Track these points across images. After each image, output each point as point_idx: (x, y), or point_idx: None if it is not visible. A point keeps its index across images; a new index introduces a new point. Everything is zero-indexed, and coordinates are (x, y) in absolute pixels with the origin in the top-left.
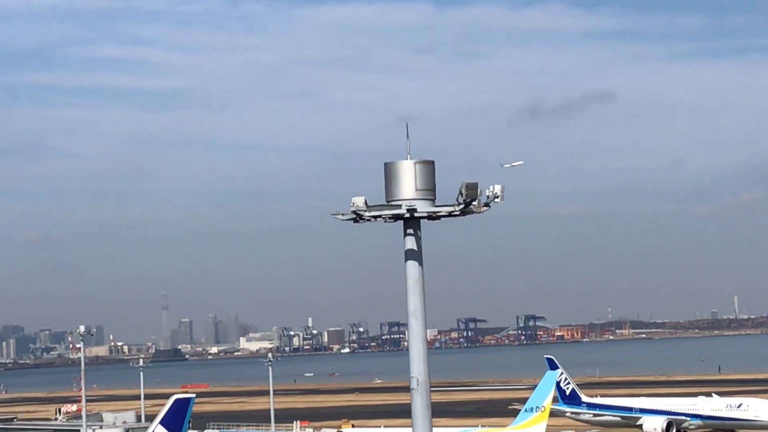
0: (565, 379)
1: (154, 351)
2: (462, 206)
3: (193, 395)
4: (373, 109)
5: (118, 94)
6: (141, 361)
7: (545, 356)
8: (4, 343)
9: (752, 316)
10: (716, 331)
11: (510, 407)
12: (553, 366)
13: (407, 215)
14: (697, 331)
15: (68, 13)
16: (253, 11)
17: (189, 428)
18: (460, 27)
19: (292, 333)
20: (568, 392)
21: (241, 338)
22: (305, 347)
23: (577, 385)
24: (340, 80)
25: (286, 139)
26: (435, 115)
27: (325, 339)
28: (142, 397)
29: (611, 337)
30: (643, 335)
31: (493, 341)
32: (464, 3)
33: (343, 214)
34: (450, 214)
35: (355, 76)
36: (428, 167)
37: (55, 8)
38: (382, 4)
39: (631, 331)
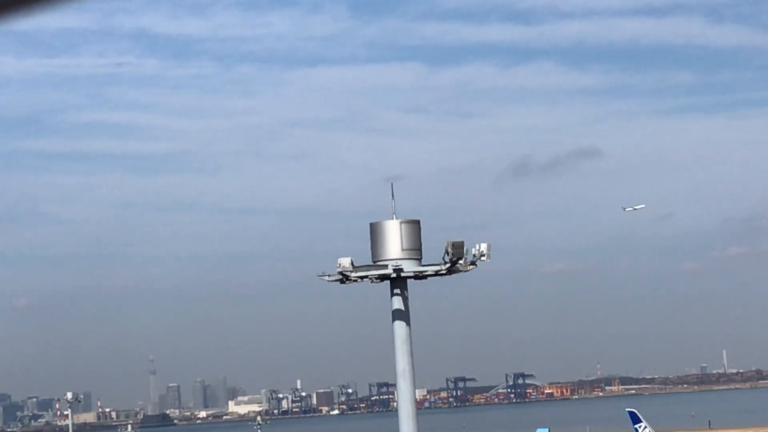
0: None
1: (142, 416)
2: (448, 265)
3: None
4: (365, 169)
5: (112, 159)
6: (129, 426)
7: (627, 410)
8: None
9: (741, 371)
10: (705, 386)
11: None
12: (635, 420)
13: (394, 275)
14: (686, 386)
15: (62, 80)
16: (246, 74)
17: None
18: (452, 87)
19: (280, 395)
20: None
21: (229, 402)
22: (294, 409)
23: None
24: (332, 142)
25: (278, 200)
26: (425, 174)
27: (314, 401)
28: None
29: (601, 394)
30: (633, 391)
31: (482, 400)
32: (456, 63)
33: (329, 275)
34: (437, 274)
35: (347, 137)
36: (414, 227)
37: (49, 75)
38: (375, 65)
39: (620, 387)
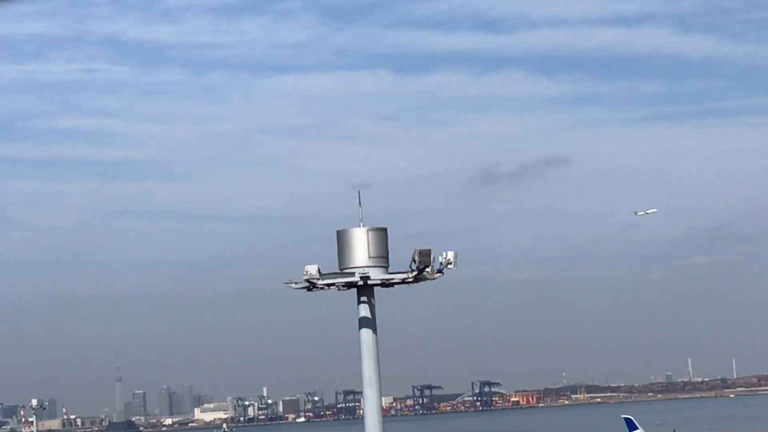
0: None
1: (107, 423)
2: (415, 273)
3: None
4: (334, 176)
5: (80, 166)
6: None
7: (623, 416)
8: None
9: (706, 379)
10: (671, 394)
11: None
12: (632, 426)
13: (360, 283)
14: (651, 394)
15: (32, 86)
16: (216, 81)
17: None
18: (422, 95)
19: (246, 403)
20: None
21: (195, 409)
22: (260, 417)
23: None
24: (302, 149)
25: (246, 207)
26: (393, 182)
27: (280, 408)
28: None
29: (566, 402)
30: (599, 399)
31: (448, 408)
32: (426, 71)
33: (296, 283)
34: (404, 281)
35: (316, 144)
36: (381, 234)
37: (20, 81)
38: (345, 73)
39: (586, 395)
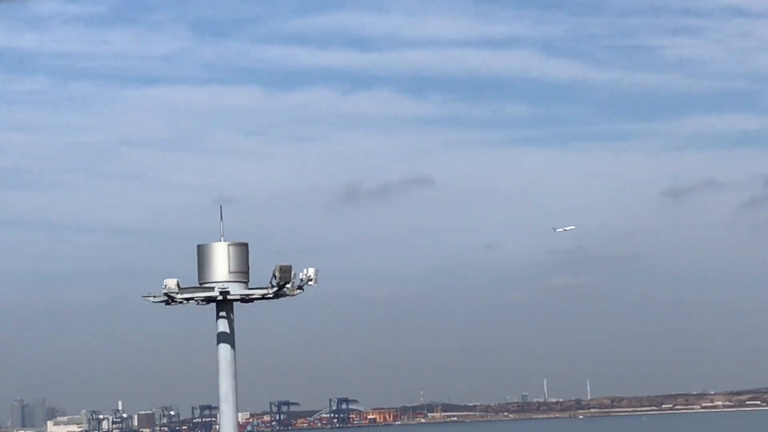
0: None
1: None
2: (276, 289)
3: None
4: (198, 190)
5: None
6: None
7: None
8: None
9: (561, 400)
10: (526, 414)
11: None
12: None
13: (220, 298)
14: (507, 414)
15: None
16: (83, 91)
17: None
18: (290, 111)
19: (101, 416)
20: None
21: (48, 422)
22: (114, 431)
23: None
24: (167, 162)
25: (108, 219)
26: (257, 197)
27: (135, 422)
28: None
29: (423, 420)
30: (455, 418)
31: (305, 424)
32: (296, 87)
33: (154, 296)
34: (263, 297)
35: (183, 157)
36: (242, 250)
37: None
38: (213, 87)
39: (442, 414)
